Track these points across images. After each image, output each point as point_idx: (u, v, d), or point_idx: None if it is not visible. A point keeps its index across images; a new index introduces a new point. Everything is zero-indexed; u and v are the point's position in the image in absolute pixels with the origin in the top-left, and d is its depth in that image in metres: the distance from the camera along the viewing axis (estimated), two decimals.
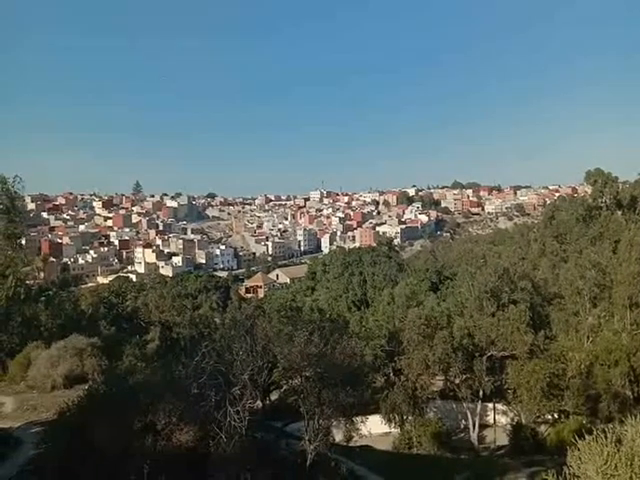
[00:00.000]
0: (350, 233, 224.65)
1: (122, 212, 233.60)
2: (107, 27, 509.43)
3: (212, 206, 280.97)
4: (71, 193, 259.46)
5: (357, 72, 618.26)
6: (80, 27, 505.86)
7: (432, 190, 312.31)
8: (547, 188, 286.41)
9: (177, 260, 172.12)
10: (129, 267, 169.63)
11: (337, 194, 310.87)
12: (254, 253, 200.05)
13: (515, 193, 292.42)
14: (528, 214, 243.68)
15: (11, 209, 37.12)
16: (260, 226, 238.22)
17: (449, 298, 46.42)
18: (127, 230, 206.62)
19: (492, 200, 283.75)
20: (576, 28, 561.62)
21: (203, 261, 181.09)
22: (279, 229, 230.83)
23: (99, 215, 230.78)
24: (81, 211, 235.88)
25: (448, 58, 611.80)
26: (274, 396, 33.47)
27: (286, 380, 21.56)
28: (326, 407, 17.31)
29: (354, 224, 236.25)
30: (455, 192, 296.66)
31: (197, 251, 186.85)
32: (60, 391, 28.52)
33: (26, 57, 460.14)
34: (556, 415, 28.89)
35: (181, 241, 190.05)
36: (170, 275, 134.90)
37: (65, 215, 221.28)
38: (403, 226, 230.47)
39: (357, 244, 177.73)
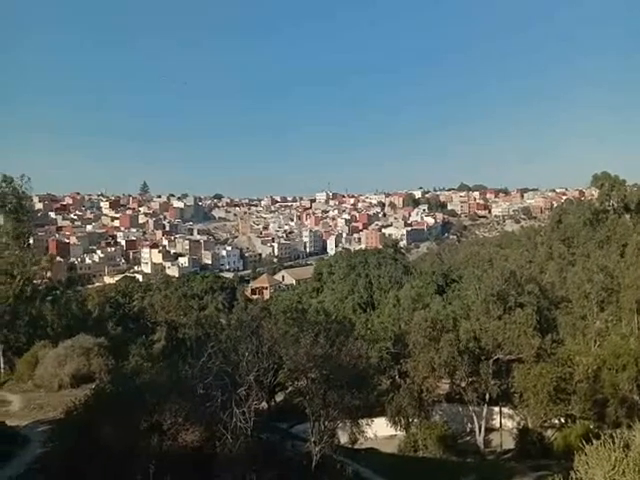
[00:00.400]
0: (356, 235, 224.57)
1: (129, 212, 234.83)
2: (107, 27, 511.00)
3: (218, 207, 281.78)
4: (78, 193, 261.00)
5: (357, 72, 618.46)
6: (80, 27, 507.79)
7: (438, 192, 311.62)
8: (554, 191, 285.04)
9: (183, 261, 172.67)
10: (136, 267, 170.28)
11: (343, 196, 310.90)
12: (260, 254, 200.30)
13: (522, 196, 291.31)
14: (535, 217, 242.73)
15: (19, 209, 37.43)
16: (266, 227, 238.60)
17: (455, 301, 46.25)
18: (134, 230, 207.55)
19: (499, 203, 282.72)
20: (576, 28, 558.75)
21: (209, 262, 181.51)
22: (285, 230, 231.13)
23: (106, 215, 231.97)
24: (88, 211, 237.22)
25: (448, 58, 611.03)
26: (279, 397, 33.50)
27: (292, 381, 21.55)
28: (332, 409, 17.29)
29: (360, 226, 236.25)
30: (462, 194, 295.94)
31: (203, 252, 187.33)
32: (67, 390, 28.63)
33: (26, 57, 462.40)
34: (563, 419, 28.71)
35: (187, 242, 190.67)
36: (176, 275, 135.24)
37: (72, 215, 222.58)
38: (409, 228, 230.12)
39: (363, 246, 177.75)
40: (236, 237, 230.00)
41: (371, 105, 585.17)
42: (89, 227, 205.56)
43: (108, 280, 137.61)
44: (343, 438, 22.30)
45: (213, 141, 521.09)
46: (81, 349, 31.91)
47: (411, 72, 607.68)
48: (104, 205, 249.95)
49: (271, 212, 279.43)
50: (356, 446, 23.80)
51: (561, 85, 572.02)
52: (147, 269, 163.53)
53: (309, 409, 17.16)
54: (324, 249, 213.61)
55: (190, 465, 14.25)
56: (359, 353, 21.20)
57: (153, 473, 13.63)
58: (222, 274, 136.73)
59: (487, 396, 29.97)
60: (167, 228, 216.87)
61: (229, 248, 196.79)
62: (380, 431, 29.45)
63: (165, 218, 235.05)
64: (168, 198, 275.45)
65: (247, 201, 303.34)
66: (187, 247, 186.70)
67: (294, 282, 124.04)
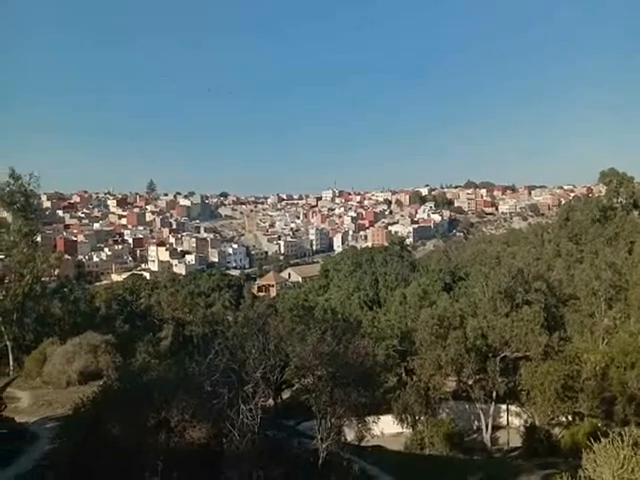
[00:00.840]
0: (362, 232, 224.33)
1: (136, 211, 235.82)
2: (107, 27, 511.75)
3: (225, 205, 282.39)
4: (86, 192, 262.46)
5: (357, 72, 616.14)
6: (80, 27, 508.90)
7: (445, 190, 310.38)
8: (562, 188, 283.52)
9: (190, 258, 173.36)
10: (143, 265, 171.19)
11: (349, 193, 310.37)
12: (266, 252, 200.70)
13: (529, 193, 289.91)
14: (543, 214, 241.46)
15: (27, 207, 37.64)
16: (272, 225, 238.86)
17: (462, 298, 46.08)
18: (141, 228, 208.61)
19: (506, 200, 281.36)
20: (576, 28, 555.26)
21: (216, 260, 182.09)
22: (291, 228, 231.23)
23: (113, 213, 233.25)
24: (96, 209, 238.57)
25: (448, 58, 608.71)
26: (286, 395, 33.55)
27: (298, 379, 21.55)
28: (338, 406, 17.28)
29: (366, 223, 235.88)
30: (469, 192, 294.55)
31: (210, 250, 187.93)
32: (75, 387, 28.84)
33: (26, 57, 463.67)
34: (570, 417, 28.56)
35: (194, 240, 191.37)
36: (183, 273, 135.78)
37: (80, 213, 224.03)
38: (416, 226, 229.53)
39: (369, 243, 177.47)
40: (242, 235, 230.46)
41: (371, 105, 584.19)
42: (96, 225, 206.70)
43: (115, 278, 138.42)
44: (350, 435, 22.27)
45: (213, 141, 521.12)
46: (89, 346, 32.14)
47: (411, 72, 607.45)
48: (111, 203, 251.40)
49: (277, 210, 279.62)
50: (362, 443, 23.78)
51: (561, 85, 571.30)
52: (154, 267, 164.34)
53: (316, 406, 17.16)
54: (330, 247, 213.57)
55: (197, 462, 14.31)
56: (366, 351, 21.17)
57: (161, 470, 13.70)
58: (229, 272, 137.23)
59: (494, 394, 29.90)
60: (174, 226, 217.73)
61: (235, 246, 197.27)
62: (387, 429, 29.39)
63: (172, 216, 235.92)
64: (175, 196, 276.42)
65: (253, 199, 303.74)
66: (194, 245, 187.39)
67: (300, 280, 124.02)
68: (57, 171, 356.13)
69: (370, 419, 20.60)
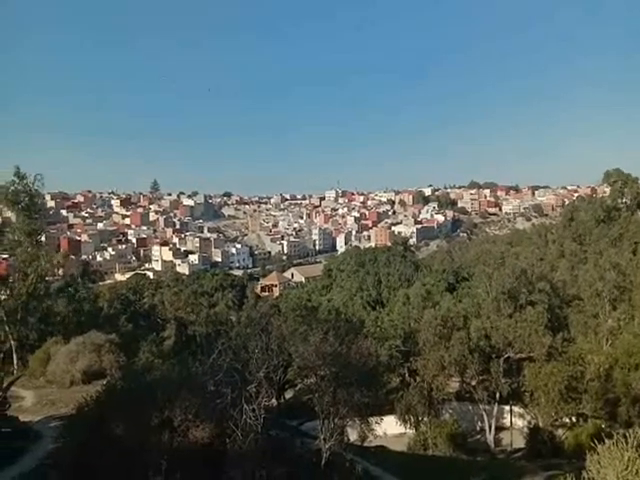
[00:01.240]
0: (365, 233, 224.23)
1: (140, 210, 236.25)
2: (107, 27, 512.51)
3: (228, 205, 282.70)
4: (90, 191, 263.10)
5: (357, 72, 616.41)
6: (80, 27, 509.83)
7: (449, 190, 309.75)
8: (566, 188, 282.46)
9: (194, 258, 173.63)
10: (146, 265, 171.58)
11: (352, 194, 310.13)
12: (269, 252, 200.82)
13: (533, 193, 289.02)
14: (546, 215, 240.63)
15: (31, 206, 37.74)
16: (275, 225, 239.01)
17: (466, 299, 46.00)
18: (144, 228, 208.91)
19: (510, 200, 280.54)
20: (576, 28, 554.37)
21: (219, 259, 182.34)
22: (294, 228, 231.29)
23: (117, 213, 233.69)
24: (99, 209, 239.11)
25: (448, 58, 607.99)
26: (289, 394, 33.59)
27: (301, 379, 21.59)
28: (341, 406, 17.28)
29: (369, 224, 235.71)
30: (472, 192, 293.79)
31: (213, 249, 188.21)
32: (79, 386, 28.88)
33: (26, 57, 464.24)
34: (574, 418, 28.48)
35: (197, 239, 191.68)
36: (187, 273, 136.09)
37: (84, 213, 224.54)
38: (419, 226, 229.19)
39: (372, 244, 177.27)
40: (246, 235, 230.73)
41: (371, 105, 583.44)
42: (100, 225, 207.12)
43: (119, 277, 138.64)
44: (352, 436, 22.27)
45: (214, 141, 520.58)
46: (92, 345, 32.19)
47: (411, 72, 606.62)
48: (115, 203, 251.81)
49: (281, 210, 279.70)
50: (365, 444, 23.77)
51: (561, 85, 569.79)
52: (157, 266, 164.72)
53: (318, 406, 17.16)
54: (333, 247, 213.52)
55: (200, 461, 14.31)
56: (369, 351, 21.20)
57: (164, 469, 13.72)
58: (232, 272, 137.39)
59: (497, 394, 29.85)
60: (177, 226, 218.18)
61: (239, 246, 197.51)
62: (389, 429, 29.43)
63: (175, 216, 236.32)
64: (178, 196, 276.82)
65: (257, 199, 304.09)
66: (197, 245, 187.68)
67: (303, 280, 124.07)
68: (57, 171, 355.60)
69: (373, 419, 20.62)
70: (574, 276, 56.52)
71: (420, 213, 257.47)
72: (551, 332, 30.44)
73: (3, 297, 37.63)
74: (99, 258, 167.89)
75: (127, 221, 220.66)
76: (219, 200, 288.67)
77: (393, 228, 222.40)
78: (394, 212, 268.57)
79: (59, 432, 16.90)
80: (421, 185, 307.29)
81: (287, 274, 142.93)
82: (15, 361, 36.07)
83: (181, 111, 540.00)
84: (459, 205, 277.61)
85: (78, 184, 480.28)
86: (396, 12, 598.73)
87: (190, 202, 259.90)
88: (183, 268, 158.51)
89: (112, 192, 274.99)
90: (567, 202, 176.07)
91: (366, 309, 59.09)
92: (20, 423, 21.86)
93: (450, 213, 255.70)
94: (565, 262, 70.09)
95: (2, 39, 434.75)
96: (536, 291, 38.87)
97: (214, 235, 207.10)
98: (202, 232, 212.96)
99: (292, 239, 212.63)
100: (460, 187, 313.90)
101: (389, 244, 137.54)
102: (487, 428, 30.53)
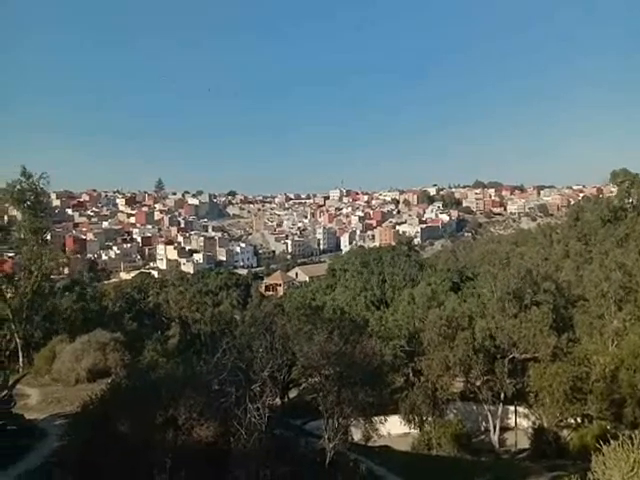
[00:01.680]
0: (370, 232, 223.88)
1: (145, 209, 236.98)
2: (107, 27, 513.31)
3: (232, 204, 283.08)
4: (95, 190, 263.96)
5: (357, 72, 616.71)
6: (80, 27, 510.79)
7: (453, 189, 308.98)
8: (571, 188, 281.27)
9: (198, 257, 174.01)
10: (151, 263, 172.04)
11: (357, 193, 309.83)
12: (274, 251, 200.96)
13: (538, 193, 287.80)
14: (552, 214, 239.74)
15: (36, 204, 37.85)
16: (280, 224, 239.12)
17: (470, 299, 45.89)
18: (149, 227, 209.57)
19: (515, 200, 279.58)
20: (576, 28, 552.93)
21: (224, 258, 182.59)
22: (299, 227, 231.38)
23: (122, 212, 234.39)
24: (105, 208, 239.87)
25: (448, 58, 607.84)
26: (293, 394, 33.58)
27: (305, 378, 21.60)
28: (345, 406, 17.27)
29: (374, 223, 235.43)
30: (477, 192, 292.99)
31: (218, 248, 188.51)
32: (84, 384, 28.93)
33: (26, 57, 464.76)
34: (579, 419, 28.39)
35: (202, 238, 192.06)
36: (191, 272, 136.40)
37: (89, 212, 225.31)
38: (423, 225, 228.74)
39: (377, 243, 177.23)
40: (250, 234, 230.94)
41: (371, 105, 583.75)
42: (105, 224, 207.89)
43: (124, 276, 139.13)
44: (356, 435, 22.29)
45: (214, 141, 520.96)
46: (97, 344, 32.24)
47: (411, 72, 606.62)
48: (120, 202, 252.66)
49: (285, 209, 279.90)
50: (369, 443, 23.79)
51: (561, 85, 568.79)
52: (162, 265, 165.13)
53: (323, 406, 17.16)
54: (338, 246, 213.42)
55: (204, 460, 14.33)
56: (373, 350, 21.18)
57: (169, 467, 13.74)
58: (236, 271, 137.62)
59: (502, 395, 29.78)
60: (182, 225, 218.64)
61: (243, 245, 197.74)
62: (394, 429, 29.42)
63: (180, 215, 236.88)
64: (183, 195, 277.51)
65: (261, 198, 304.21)
66: (202, 244, 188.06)
67: (307, 279, 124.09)
68: (58, 171, 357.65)
69: (377, 419, 20.62)
70: (579, 276, 56.33)
71: (425, 213, 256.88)
72: (556, 332, 30.34)
73: (9, 295, 37.80)
74: (104, 257, 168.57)
75: (132, 220, 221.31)
76: (224, 199, 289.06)
77: (397, 228, 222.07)
78: (398, 212, 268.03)
79: (64, 430, 16.96)
80: (425, 185, 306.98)
81: (291, 273, 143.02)
82: (21, 359, 36.24)
83: (181, 111, 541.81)
84: (464, 205, 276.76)
85: (82, 183, 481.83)
86: (396, 12, 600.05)
87: (195, 201, 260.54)
88: (188, 267, 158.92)
89: (117, 191, 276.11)
90: (573, 202, 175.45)
91: (370, 309, 59.03)
92: (25, 421, 21.92)
93: (455, 213, 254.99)
94: (570, 262, 69.87)
95: (2, 39, 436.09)
96: (541, 291, 38.76)
97: (219, 234, 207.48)
98: (207, 231, 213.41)
99: (296, 238, 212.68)
100: (465, 187, 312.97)
101: (393, 244, 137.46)
102: (492, 428, 30.48)
